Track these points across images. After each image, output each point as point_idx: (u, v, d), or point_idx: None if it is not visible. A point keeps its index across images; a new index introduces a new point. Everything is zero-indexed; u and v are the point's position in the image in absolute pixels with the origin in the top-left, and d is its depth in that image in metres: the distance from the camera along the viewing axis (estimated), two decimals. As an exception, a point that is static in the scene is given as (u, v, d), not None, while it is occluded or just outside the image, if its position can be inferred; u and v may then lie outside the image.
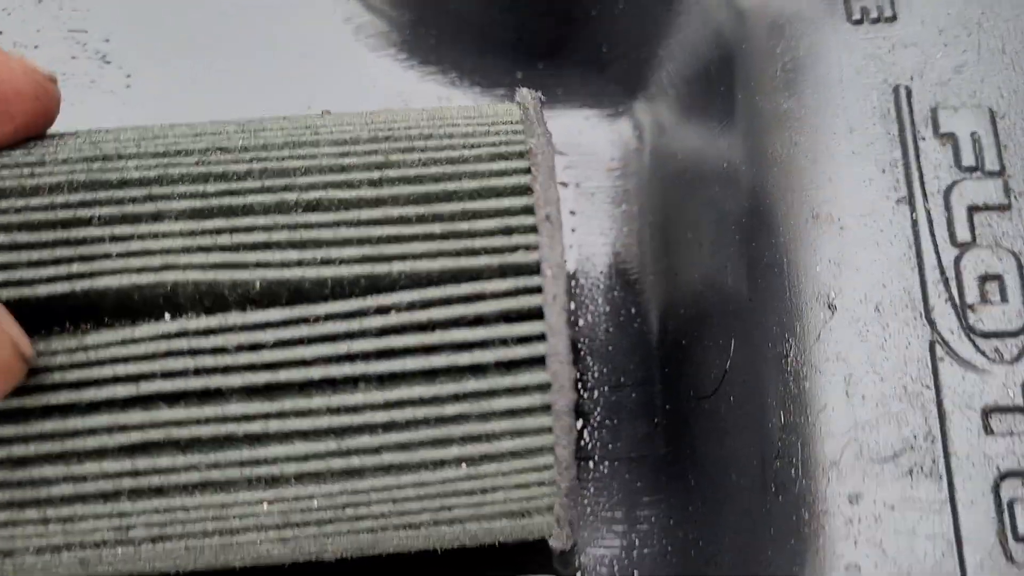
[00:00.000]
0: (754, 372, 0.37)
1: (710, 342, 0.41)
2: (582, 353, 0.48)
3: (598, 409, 0.47)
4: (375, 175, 0.35)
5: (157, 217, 0.34)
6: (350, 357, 0.33)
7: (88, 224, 0.34)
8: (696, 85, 0.45)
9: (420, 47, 0.51)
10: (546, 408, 0.34)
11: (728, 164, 0.41)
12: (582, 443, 0.47)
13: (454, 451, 0.34)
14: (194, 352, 0.33)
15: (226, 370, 0.33)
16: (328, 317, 0.33)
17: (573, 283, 0.49)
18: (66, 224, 0.34)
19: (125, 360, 0.32)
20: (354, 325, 0.33)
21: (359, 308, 0.33)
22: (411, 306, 0.33)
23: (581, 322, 0.49)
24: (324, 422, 0.33)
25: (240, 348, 0.33)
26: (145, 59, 0.52)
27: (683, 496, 0.43)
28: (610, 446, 0.46)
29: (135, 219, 0.34)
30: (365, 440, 0.33)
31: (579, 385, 0.47)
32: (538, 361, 0.33)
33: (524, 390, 0.34)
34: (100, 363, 0.33)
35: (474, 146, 0.36)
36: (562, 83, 0.50)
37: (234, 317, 0.33)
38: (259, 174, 0.35)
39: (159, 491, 0.34)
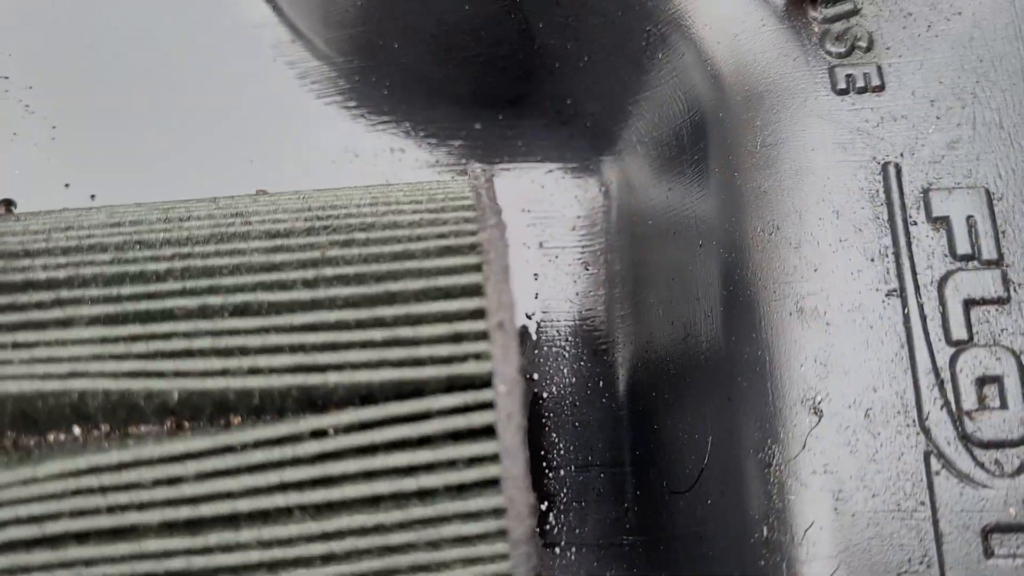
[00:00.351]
0: (734, 477, 0.34)
1: (684, 431, 0.38)
2: (547, 429, 0.45)
3: (564, 490, 0.44)
4: (310, 274, 0.31)
5: (66, 323, 0.31)
6: (283, 487, 0.30)
7: None
8: (667, 147, 0.42)
9: (370, 96, 0.47)
10: (501, 533, 0.30)
11: (703, 241, 0.38)
12: (547, 527, 0.44)
13: None
14: (106, 489, 0.29)
15: (142, 507, 0.29)
16: (257, 444, 0.29)
17: (536, 352, 0.46)
18: None
19: (27, 501, 0.29)
20: (287, 452, 0.29)
21: (291, 433, 0.29)
22: (349, 428, 0.30)
23: (546, 394, 0.45)
24: (255, 556, 0.30)
25: (158, 483, 0.29)
26: (70, 108, 0.48)
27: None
28: (577, 531, 0.43)
29: (40, 326, 0.31)
30: (301, 574, 0.30)
31: (544, 464, 0.44)
32: (492, 483, 0.30)
33: (477, 516, 0.30)
34: None
35: (420, 238, 0.32)
36: (523, 136, 0.47)
37: (150, 449, 0.29)
38: (181, 274, 0.31)
39: None
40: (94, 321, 0.30)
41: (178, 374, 0.30)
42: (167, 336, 0.30)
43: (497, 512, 0.30)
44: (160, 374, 0.30)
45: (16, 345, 0.30)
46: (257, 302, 0.31)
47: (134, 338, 0.30)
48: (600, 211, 0.46)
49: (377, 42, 0.46)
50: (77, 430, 0.31)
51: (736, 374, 0.34)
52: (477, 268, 0.31)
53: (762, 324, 0.34)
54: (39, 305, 0.31)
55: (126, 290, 0.31)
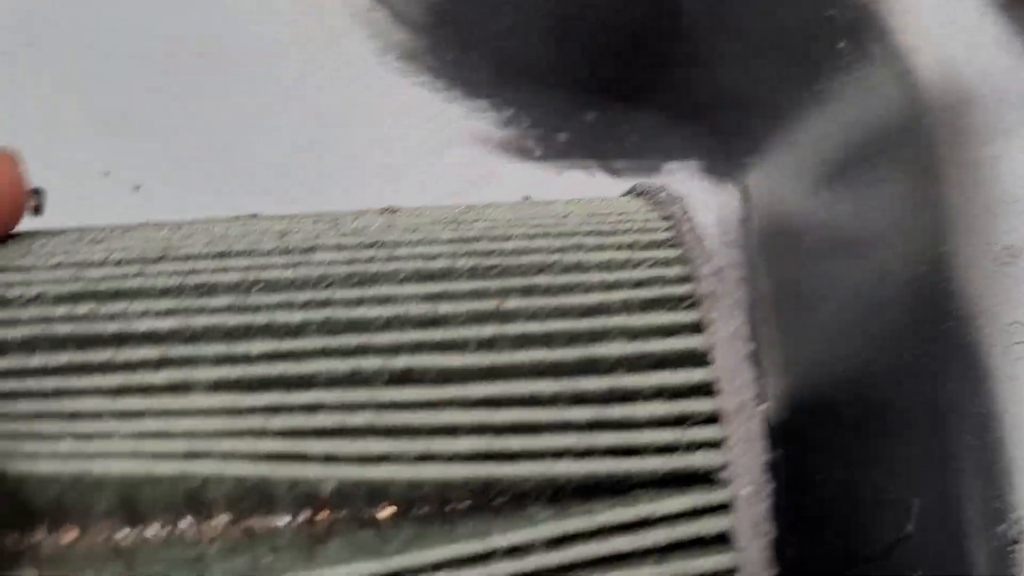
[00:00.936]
0: (953, 553, 0.28)
1: (866, 488, 0.32)
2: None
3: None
4: (486, 332, 0.25)
5: (180, 388, 0.24)
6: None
7: (80, 395, 0.24)
8: (836, 153, 0.35)
9: (466, 77, 0.40)
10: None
11: (890, 265, 0.32)
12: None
13: None
14: None
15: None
16: (439, 566, 0.23)
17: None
18: (48, 394, 0.24)
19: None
20: (484, 573, 0.23)
21: (482, 550, 0.23)
22: (551, 542, 0.23)
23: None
24: None
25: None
26: (108, 87, 0.41)
27: None
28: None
29: (147, 390, 0.24)
30: None
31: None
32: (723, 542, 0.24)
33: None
34: None
35: (615, 286, 0.26)
36: (641, 130, 0.40)
37: None
38: (321, 327, 0.25)
39: None
40: (217, 387, 0.24)
41: (329, 458, 0.23)
42: (312, 409, 0.24)
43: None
44: (305, 457, 0.23)
45: (119, 414, 0.23)
46: (422, 367, 0.24)
47: (272, 410, 0.23)
48: (737, 220, 0.40)
49: (476, 16, 0.39)
50: (185, 522, 0.25)
51: (955, 428, 0.29)
52: (696, 328, 0.25)
53: (992, 370, 0.28)
54: (144, 364, 0.24)
55: (254, 347, 0.24)
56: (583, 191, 0.39)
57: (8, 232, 0.27)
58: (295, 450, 0.23)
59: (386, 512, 0.25)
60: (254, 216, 0.30)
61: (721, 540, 0.24)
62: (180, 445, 0.23)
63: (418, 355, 0.24)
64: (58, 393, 0.24)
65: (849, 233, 0.35)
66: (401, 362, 0.24)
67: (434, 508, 0.25)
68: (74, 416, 0.23)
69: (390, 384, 0.24)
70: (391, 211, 0.29)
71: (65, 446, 0.23)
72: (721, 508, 0.24)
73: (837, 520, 0.34)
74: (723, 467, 0.24)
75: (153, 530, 0.25)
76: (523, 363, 0.24)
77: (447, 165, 0.40)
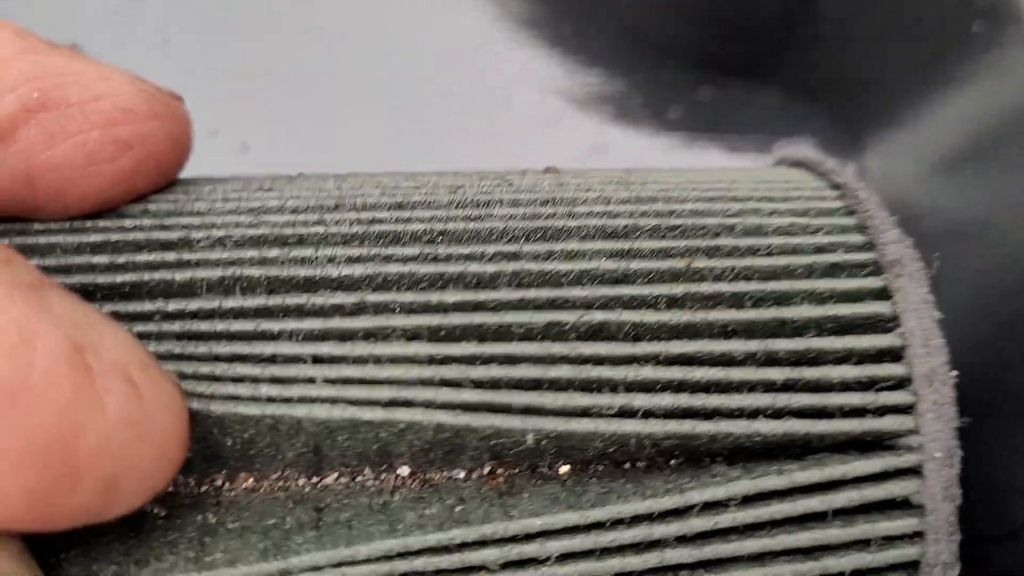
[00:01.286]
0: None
1: (997, 468, 0.33)
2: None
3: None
4: (678, 290, 0.25)
5: (377, 335, 0.24)
6: (671, 569, 0.23)
7: (276, 339, 0.23)
8: (966, 140, 0.35)
9: (580, 46, 0.40)
10: (914, 567, 0.25)
11: (1012, 250, 0.32)
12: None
13: None
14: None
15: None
16: (638, 519, 0.23)
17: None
18: (244, 337, 0.23)
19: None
20: (670, 530, 0.23)
21: (676, 505, 0.23)
22: (745, 502, 0.23)
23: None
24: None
25: (506, 566, 0.23)
26: (211, 46, 0.40)
27: None
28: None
29: (344, 336, 0.24)
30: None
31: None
32: (907, 567, 0.24)
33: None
34: None
35: (797, 250, 0.26)
36: (757, 107, 0.40)
37: (493, 527, 0.23)
38: (512, 279, 0.25)
39: None
40: (415, 335, 0.24)
41: (529, 410, 0.23)
42: (511, 360, 0.23)
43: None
44: (507, 408, 0.23)
45: (319, 359, 0.23)
46: (617, 322, 0.24)
47: (470, 360, 0.23)
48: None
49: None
50: (366, 474, 0.25)
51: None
52: (882, 294, 0.25)
53: None
54: (340, 310, 0.24)
55: (449, 297, 0.24)
56: (697, 165, 0.39)
57: (174, 176, 0.27)
58: (496, 401, 0.23)
59: (564, 469, 0.25)
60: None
61: (908, 504, 0.24)
62: (383, 392, 0.23)
63: (612, 311, 0.24)
64: (254, 336, 0.23)
65: (975, 218, 0.35)
66: (596, 317, 0.24)
67: (611, 467, 0.25)
68: (273, 359, 0.23)
69: (585, 338, 0.24)
70: (554, 170, 0.29)
71: (266, 389, 0.23)
72: (911, 472, 0.24)
73: (964, 500, 0.34)
74: (913, 431, 0.24)
75: (332, 479, 0.25)
76: (715, 321, 0.24)
77: (558, 135, 0.40)
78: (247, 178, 0.28)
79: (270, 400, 0.22)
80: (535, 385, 0.23)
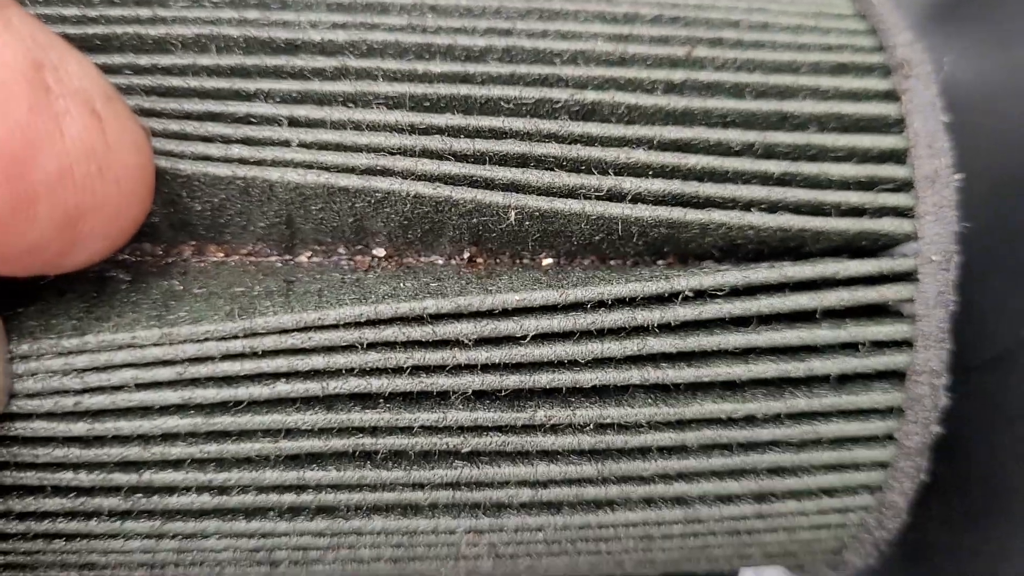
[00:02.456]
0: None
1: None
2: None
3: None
4: (676, 76, 0.23)
5: (357, 101, 0.22)
6: (638, 359, 0.23)
7: (251, 99, 0.22)
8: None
9: None
10: (890, 439, 0.24)
11: None
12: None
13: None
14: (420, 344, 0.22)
15: (455, 370, 0.22)
16: (621, 302, 0.22)
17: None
18: (219, 95, 0.22)
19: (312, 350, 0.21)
20: (654, 316, 0.22)
21: (662, 291, 0.22)
22: (734, 292, 0.23)
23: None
24: (587, 441, 0.23)
25: (481, 342, 0.22)
26: None
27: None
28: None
29: (322, 100, 0.22)
30: (636, 467, 0.23)
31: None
32: (895, 376, 0.24)
33: (867, 413, 0.24)
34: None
35: (804, 47, 0.25)
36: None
37: (469, 299, 0.22)
38: (503, 55, 0.23)
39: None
40: (397, 103, 0.22)
41: (513, 186, 0.22)
42: (497, 134, 0.22)
43: (893, 412, 0.24)
44: (489, 183, 0.22)
45: (296, 122, 0.22)
46: (611, 103, 0.23)
47: (455, 131, 0.22)
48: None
49: None
50: (339, 253, 0.24)
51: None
52: (890, 96, 0.24)
53: None
54: (320, 73, 0.22)
55: (435, 68, 0.23)
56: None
57: None
58: (479, 174, 0.22)
59: (547, 261, 0.24)
60: None
61: (900, 313, 0.23)
62: (360, 159, 0.22)
63: (606, 91, 0.23)
64: (228, 95, 0.22)
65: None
66: (589, 96, 0.23)
67: (596, 262, 0.24)
68: (247, 120, 0.22)
69: (576, 118, 0.23)
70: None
71: (238, 150, 0.21)
72: (905, 276, 0.23)
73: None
74: (911, 235, 0.23)
75: (304, 257, 0.24)
76: (713, 110, 0.23)
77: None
78: None
79: (242, 161, 0.21)
80: (521, 161, 0.22)
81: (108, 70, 0.22)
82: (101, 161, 0.18)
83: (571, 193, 0.22)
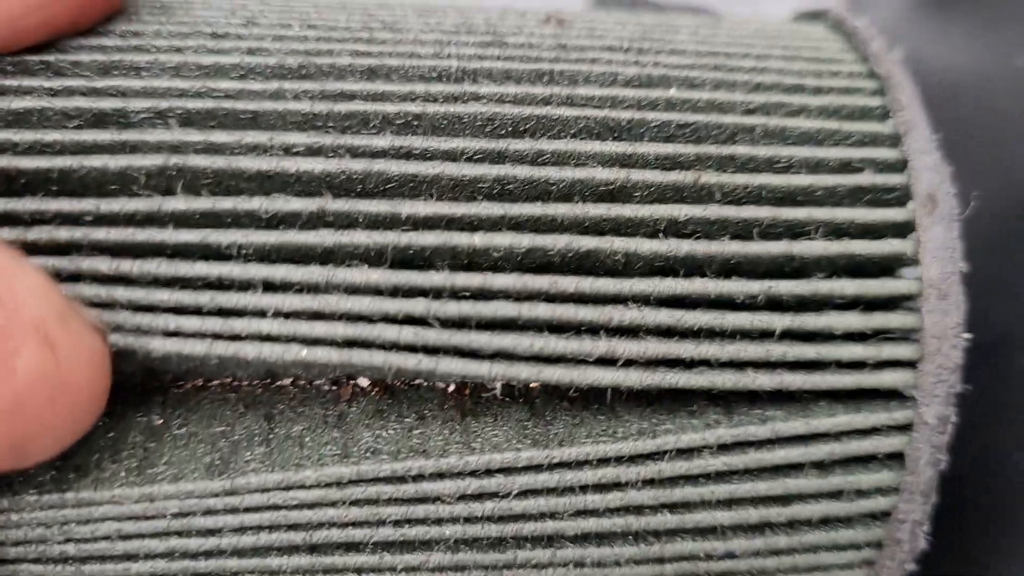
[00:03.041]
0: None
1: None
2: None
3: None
4: (680, 213, 0.22)
5: (332, 255, 0.21)
6: (634, 510, 0.23)
7: (222, 257, 0.21)
8: None
9: None
10: (867, 564, 0.24)
11: None
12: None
13: None
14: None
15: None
16: (605, 461, 0.22)
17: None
18: (184, 252, 0.21)
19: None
20: (638, 472, 0.22)
21: (648, 450, 0.22)
22: (721, 449, 0.22)
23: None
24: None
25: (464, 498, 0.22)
26: None
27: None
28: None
29: (299, 253, 0.21)
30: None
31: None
32: (877, 517, 0.24)
33: (846, 548, 0.24)
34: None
35: (819, 166, 0.23)
36: None
37: (451, 461, 0.21)
38: (492, 188, 0.22)
39: None
40: (379, 254, 0.21)
41: (500, 355, 0.21)
42: (484, 296, 0.21)
43: (871, 545, 0.24)
44: (475, 354, 0.21)
45: (270, 286, 0.21)
46: (607, 251, 0.22)
47: (438, 292, 0.21)
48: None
49: None
50: (320, 381, 0.23)
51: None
52: (906, 230, 0.23)
53: None
54: (294, 219, 0.21)
55: (421, 210, 0.21)
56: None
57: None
58: (464, 344, 0.21)
59: (535, 386, 0.23)
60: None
61: (891, 458, 0.23)
62: (339, 330, 0.20)
63: (602, 238, 0.21)
64: (199, 250, 0.21)
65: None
66: (584, 244, 0.21)
67: (593, 396, 0.23)
68: (220, 283, 0.20)
69: (569, 268, 0.22)
70: (557, 21, 0.25)
71: (211, 323, 0.20)
72: (900, 428, 0.22)
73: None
74: (914, 388, 0.22)
75: (288, 381, 0.23)
76: (717, 255, 0.22)
77: None
78: (196, 9, 0.24)
79: (216, 337, 0.20)
80: (508, 324, 0.21)
81: (68, 219, 0.20)
82: (53, 388, 0.18)
83: (560, 360, 0.21)
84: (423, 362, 0.20)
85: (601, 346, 0.21)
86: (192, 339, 0.20)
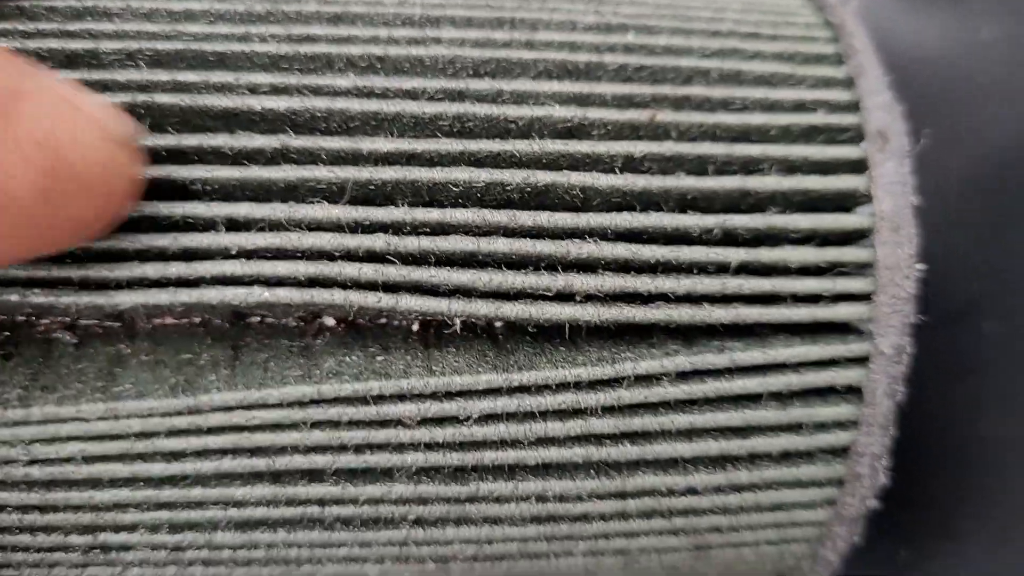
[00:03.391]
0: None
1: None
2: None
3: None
4: (637, 149, 0.22)
5: (295, 190, 0.22)
6: (582, 439, 0.23)
7: (187, 194, 0.21)
8: None
9: None
10: (828, 503, 0.25)
11: None
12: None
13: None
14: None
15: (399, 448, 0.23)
16: (564, 386, 0.22)
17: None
18: (148, 192, 0.21)
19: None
20: (598, 399, 0.22)
21: (607, 376, 0.22)
22: (680, 377, 0.23)
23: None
24: (531, 509, 0.24)
25: (424, 422, 0.22)
26: None
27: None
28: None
29: (261, 189, 0.22)
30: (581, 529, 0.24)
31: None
32: (836, 452, 0.24)
33: (807, 485, 0.24)
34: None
35: (775, 106, 0.24)
36: None
37: (412, 382, 0.22)
38: (454, 122, 0.22)
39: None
40: (339, 190, 0.22)
41: (459, 291, 0.22)
42: (444, 229, 0.22)
43: (832, 482, 0.24)
44: (435, 290, 0.22)
45: (234, 224, 0.21)
46: (565, 185, 0.22)
47: (399, 226, 0.22)
48: None
49: None
50: (287, 319, 0.23)
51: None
52: (859, 167, 0.23)
53: None
54: (257, 155, 0.21)
55: (381, 146, 0.22)
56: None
57: None
58: (424, 279, 0.21)
59: (499, 323, 0.24)
60: None
61: (850, 391, 0.23)
62: (301, 268, 0.21)
63: (560, 172, 0.22)
64: (166, 187, 0.21)
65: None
66: (542, 178, 0.22)
67: (555, 330, 0.24)
68: (185, 223, 0.21)
69: (529, 199, 0.22)
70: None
71: (175, 268, 0.21)
72: (857, 361, 0.23)
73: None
74: (868, 320, 0.22)
75: (255, 319, 0.24)
76: (673, 189, 0.22)
77: None
78: None
79: (179, 283, 0.21)
80: (467, 260, 0.22)
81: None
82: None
83: (519, 295, 0.22)
84: (383, 299, 0.21)
85: (559, 280, 0.21)
86: (155, 288, 0.20)
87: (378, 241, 0.21)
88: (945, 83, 0.33)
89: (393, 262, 0.21)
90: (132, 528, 0.23)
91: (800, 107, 0.23)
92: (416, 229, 0.21)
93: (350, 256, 0.21)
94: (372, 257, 0.21)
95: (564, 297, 0.22)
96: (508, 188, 0.22)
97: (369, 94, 0.22)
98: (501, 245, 0.21)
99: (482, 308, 0.21)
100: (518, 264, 0.22)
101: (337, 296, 0.21)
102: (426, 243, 0.21)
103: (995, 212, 0.30)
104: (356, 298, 0.21)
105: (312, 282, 0.21)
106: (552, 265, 0.22)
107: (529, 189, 0.22)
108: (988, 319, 0.29)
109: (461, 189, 0.22)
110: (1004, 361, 0.28)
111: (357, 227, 0.21)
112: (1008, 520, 0.28)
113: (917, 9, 0.35)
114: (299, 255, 0.21)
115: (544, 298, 0.22)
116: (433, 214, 0.21)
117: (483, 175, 0.21)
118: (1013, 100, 0.30)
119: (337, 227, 0.21)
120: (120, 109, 0.20)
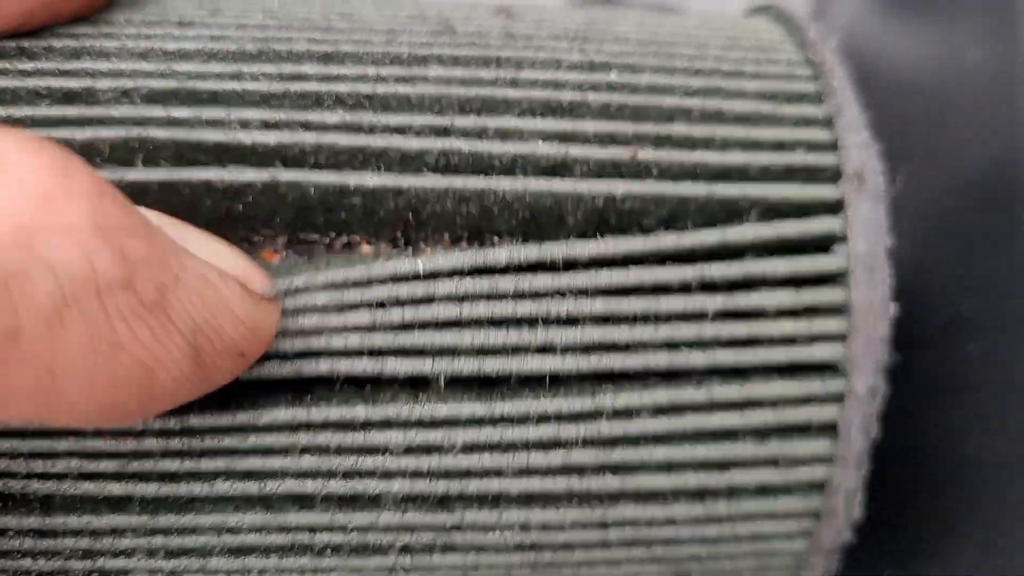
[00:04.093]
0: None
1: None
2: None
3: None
4: (618, 189, 0.23)
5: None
6: (576, 470, 0.24)
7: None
8: None
9: None
10: (806, 534, 0.25)
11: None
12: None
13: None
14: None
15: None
16: (544, 418, 0.23)
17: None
18: None
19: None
20: (578, 431, 0.23)
21: (587, 409, 0.23)
22: (659, 411, 0.23)
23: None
24: (515, 538, 0.24)
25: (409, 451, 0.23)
26: None
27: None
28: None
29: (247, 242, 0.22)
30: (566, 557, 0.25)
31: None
32: (813, 487, 0.24)
33: (784, 517, 0.25)
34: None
35: (754, 145, 0.24)
36: None
37: (399, 408, 0.23)
38: (439, 161, 0.23)
39: None
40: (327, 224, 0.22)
41: (444, 351, 0.23)
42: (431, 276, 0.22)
43: (809, 515, 0.25)
44: (420, 351, 0.23)
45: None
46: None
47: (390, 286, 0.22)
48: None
49: None
50: None
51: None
52: (835, 208, 0.23)
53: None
54: (248, 189, 0.22)
55: (369, 180, 0.22)
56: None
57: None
58: (408, 344, 0.22)
59: None
60: None
61: (826, 427, 0.24)
62: (291, 342, 0.22)
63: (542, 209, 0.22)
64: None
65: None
66: (523, 215, 0.22)
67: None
68: None
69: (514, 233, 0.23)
70: (507, 14, 0.26)
71: None
72: (833, 398, 0.23)
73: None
74: (844, 360, 0.23)
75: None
76: (652, 251, 0.23)
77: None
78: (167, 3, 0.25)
79: None
80: (452, 324, 0.22)
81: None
82: None
83: (502, 351, 0.23)
84: (368, 366, 0.22)
85: (540, 336, 0.22)
86: None
87: (362, 316, 0.22)
88: (929, 104, 0.34)
89: (380, 330, 0.22)
90: (129, 554, 0.23)
91: (780, 146, 0.24)
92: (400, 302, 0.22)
93: (336, 329, 0.22)
94: (358, 329, 0.22)
95: (545, 350, 0.22)
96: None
97: (357, 129, 0.23)
98: (482, 309, 0.22)
99: (465, 366, 0.22)
100: (500, 323, 0.22)
101: (323, 365, 0.22)
102: (409, 314, 0.22)
103: (979, 232, 0.30)
104: (344, 367, 0.22)
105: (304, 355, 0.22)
106: (533, 322, 0.22)
107: (514, 222, 0.22)
108: (974, 339, 0.30)
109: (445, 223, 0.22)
110: (991, 381, 0.29)
111: (339, 285, 0.22)
112: (996, 540, 0.28)
113: (904, 31, 0.35)
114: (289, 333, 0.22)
115: (525, 351, 0.22)
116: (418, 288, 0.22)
117: (465, 208, 0.22)
118: (995, 123, 0.30)
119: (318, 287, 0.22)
120: (255, 265, 0.21)
